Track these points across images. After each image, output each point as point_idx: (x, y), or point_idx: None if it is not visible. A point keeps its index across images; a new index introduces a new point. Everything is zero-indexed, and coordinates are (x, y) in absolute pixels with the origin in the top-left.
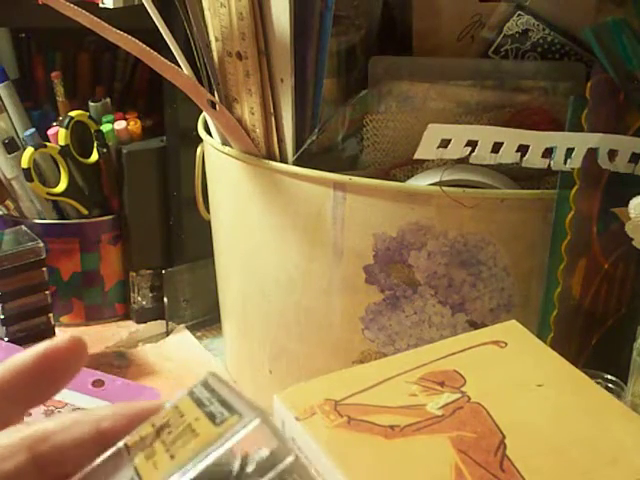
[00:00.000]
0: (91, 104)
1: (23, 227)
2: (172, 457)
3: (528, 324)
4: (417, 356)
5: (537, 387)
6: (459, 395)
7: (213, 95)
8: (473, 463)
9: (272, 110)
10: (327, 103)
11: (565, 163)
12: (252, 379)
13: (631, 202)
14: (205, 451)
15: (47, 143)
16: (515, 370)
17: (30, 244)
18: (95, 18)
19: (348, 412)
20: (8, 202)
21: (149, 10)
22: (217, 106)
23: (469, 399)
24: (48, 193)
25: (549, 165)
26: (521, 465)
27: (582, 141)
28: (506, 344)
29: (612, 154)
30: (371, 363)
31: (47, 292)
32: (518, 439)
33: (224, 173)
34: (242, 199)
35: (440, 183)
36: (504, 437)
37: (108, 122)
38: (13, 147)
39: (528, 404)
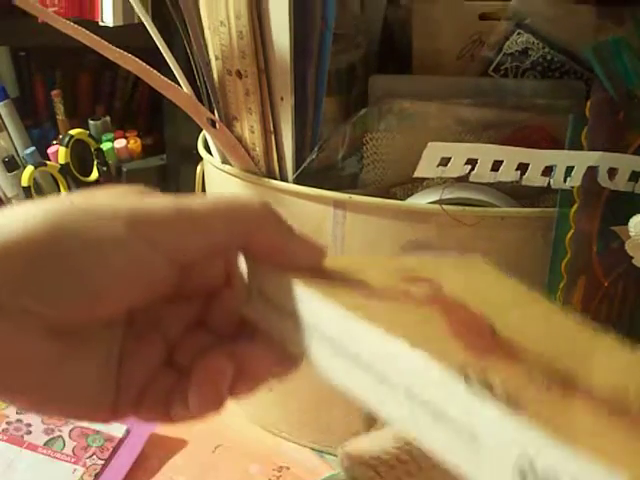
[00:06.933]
0: (91, 122)
1: None
2: None
3: None
4: (388, 262)
5: (513, 304)
6: (438, 290)
7: (213, 113)
8: (466, 331)
9: (272, 128)
10: (327, 121)
11: (565, 181)
12: None
13: (631, 220)
14: None
15: (47, 161)
16: (489, 291)
17: None
18: (95, 36)
19: (333, 283)
20: None
21: (149, 28)
22: (217, 124)
23: (448, 294)
24: None
25: (549, 183)
26: (513, 338)
27: (582, 159)
28: (474, 273)
29: (612, 172)
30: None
31: None
32: (504, 325)
33: (224, 191)
34: None
35: (440, 201)
36: (490, 321)
37: (108, 140)
38: (13, 165)
39: (507, 307)
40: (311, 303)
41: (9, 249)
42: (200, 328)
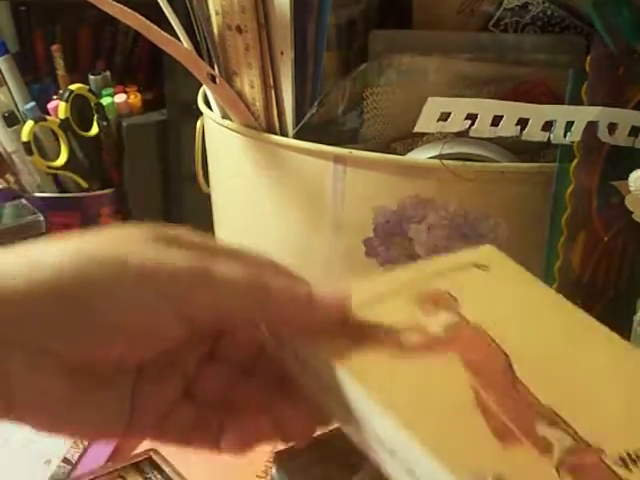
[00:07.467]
0: (91, 77)
1: (23, 201)
2: None
3: None
4: (404, 275)
5: (529, 311)
6: (457, 317)
7: (213, 68)
8: (488, 385)
9: (272, 83)
10: (327, 76)
11: (565, 136)
12: None
13: (631, 175)
14: None
15: (47, 116)
16: (503, 293)
17: (30, 218)
18: None
19: (355, 327)
20: (8, 176)
21: None
22: (217, 79)
23: (468, 322)
24: (48, 166)
25: (549, 138)
26: (532, 386)
27: (582, 114)
28: (488, 267)
29: (612, 127)
30: (359, 282)
31: None
32: (523, 362)
33: (224, 146)
34: (242, 172)
35: (440, 156)
36: (510, 359)
37: (108, 95)
38: (13, 121)
39: (525, 328)
40: (347, 387)
41: (37, 293)
42: (215, 360)
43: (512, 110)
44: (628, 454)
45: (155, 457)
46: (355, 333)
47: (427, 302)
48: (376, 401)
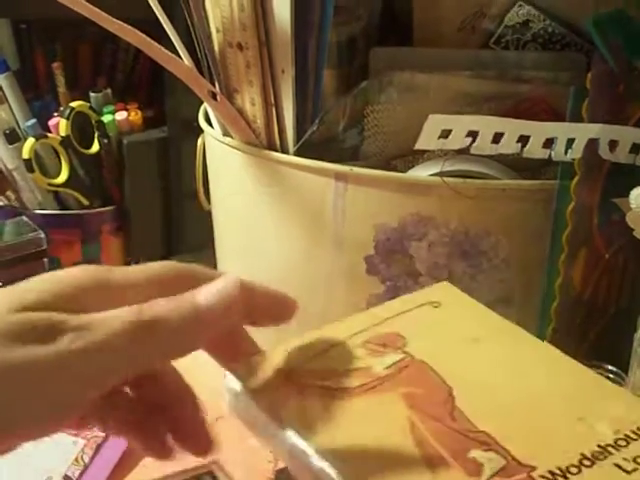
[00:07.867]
0: (92, 95)
1: (24, 218)
2: None
3: (529, 315)
4: (357, 322)
5: (475, 342)
6: (403, 355)
7: (214, 86)
8: (425, 416)
9: (273, 101)
10: (328, 94)
11: (566, 154)
12: None
13: (632, 193)
14: None
15: (48, 134)
16: (452, 327)
17: (31, 235)
18: (95, 8)
19: (298, 379)
20: (9, 193)
21: (150, 0)
22: (218, 97)
23: (413, 358)
24: (49, 184)
25: (550, 155)
26: (470, 413)
27: (583, 132)
28: (440, 304)
29: (613, 145)
30: (312, 332)
31: None
32: (465, 391)
33: (225, 164)
34: (243, 190)
35: (441, 174)
36: (451, 390)
37: (109, 113)
38: (14, 138)
39: (469, 358)
40: (286, 432)
41: None
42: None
43: (513, 127)
44: (559, 469)
45: (216, 470)
46: (297, 381)
47: (376, 344)
48: (310, 442)
